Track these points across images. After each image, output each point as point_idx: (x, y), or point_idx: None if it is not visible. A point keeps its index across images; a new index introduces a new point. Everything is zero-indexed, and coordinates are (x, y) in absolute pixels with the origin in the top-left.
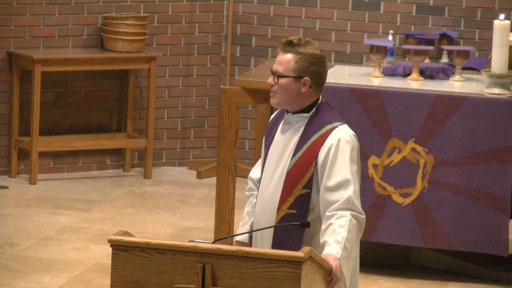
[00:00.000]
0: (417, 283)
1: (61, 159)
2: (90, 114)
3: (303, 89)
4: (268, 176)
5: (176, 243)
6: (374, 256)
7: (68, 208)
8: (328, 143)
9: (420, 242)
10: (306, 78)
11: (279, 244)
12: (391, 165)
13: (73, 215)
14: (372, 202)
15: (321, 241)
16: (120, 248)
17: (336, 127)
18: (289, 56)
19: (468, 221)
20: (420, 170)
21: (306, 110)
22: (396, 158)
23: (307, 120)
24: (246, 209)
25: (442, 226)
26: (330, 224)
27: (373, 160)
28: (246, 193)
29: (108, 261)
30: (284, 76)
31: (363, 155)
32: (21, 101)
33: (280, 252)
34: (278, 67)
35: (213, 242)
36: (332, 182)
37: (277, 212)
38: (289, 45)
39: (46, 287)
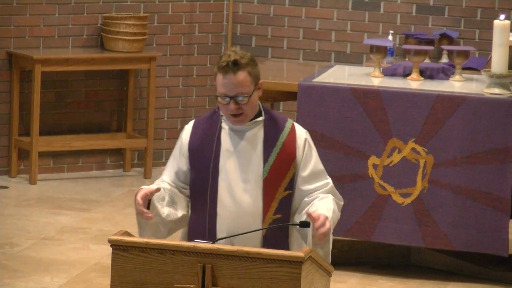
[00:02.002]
0: (417, 283)
1: (61, 159)
2: (90, 114)
3: (259, 94)
4: (234, 189)
5: (176, 243)
6: (374, 256)
7: (68, 208)
8: (300, 139)
9: (420, 242)
10: (260, 82)
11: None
12: (391, 165)
13: (73, 215)
14: (372, 202)
15: (305, 217)
16: (120, 248)
17: (292, 122)
18: (242, 73)
19: (468, 221)
20: (420, 170)
21: (258, 114)
22: (396, 158)
23: (262, 123)
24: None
25: (442, 226)
26: (313, 202)
27: (373, 160)
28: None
29: (108, 261)
30: (251, 94)
31: (363, 155)
32: (21, 101)
33: (280, 252)
34: (240, 89)
35: (213, 242)
36: (310, 172)
37: (263, 221)
38: (237, 65)
39: (46, 287)
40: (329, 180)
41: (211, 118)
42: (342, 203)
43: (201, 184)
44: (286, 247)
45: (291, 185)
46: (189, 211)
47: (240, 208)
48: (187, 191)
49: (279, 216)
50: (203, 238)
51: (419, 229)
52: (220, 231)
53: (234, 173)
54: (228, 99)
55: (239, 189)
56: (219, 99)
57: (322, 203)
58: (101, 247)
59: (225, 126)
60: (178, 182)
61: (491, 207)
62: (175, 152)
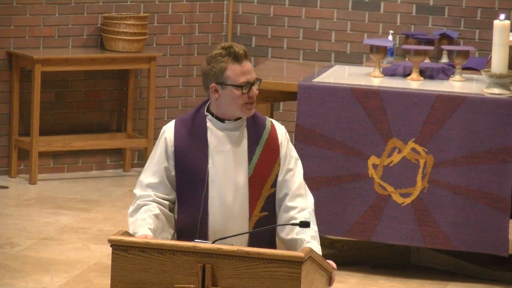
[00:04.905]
0: (417, 283)
1: (61, 159)
2: (90, 114)
3: None
4: (223, 190)
5: (176, 243)
6: (374, 256)
7: (68, 208)
8: (282, 136)
9: (420, 242)
10: None
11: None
12: (391, 165)
13: (73, 215)
14: (372, 202)
15: (288, 236)
16: (120, 248)
17: (271, 120)
18: (249, 62)
19: (468, 221)
20: (420, 170)
21: None
22: (396, 158)
23: (245, 121)
24: (141, 215)
25: (442, 226)
26: (295, 219)
27: (373, 160)
28: (139, 202)
29: (108, 261)
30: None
31: (363, 155)
32: (21, 101)
33: (280, 252)
34: (254, 74)
35: (213, 242)
36: (291, 164)
37: (249, 219)
38: (247, 54)
39: (46, 287)
40: (301, 170)
41: (195, 118)
42: (312, 197)
43: (191, 186)
44: (272, 247)
45: (276, 182)
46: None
47: (229, 208)
48: (171, 197)
49: (265, 213)
50: (194, 239)
51: (419, 229)
52: (212, 232)
53: (223, 173)
54: (249, 85)
55: (228, 189)
56: (242, 90)
57: (305, 231)
58: (101, 247)
59: (210, 126)
60: (164, 189)
61: (491, 207)
62: (158, 156)
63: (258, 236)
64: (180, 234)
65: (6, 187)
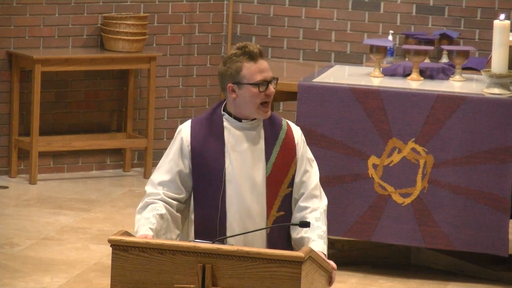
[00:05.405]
0: (417, 283)
1: (61, 159)
2: (90, 114)
3: None
4: (241, 189)
5: (176, 243)
6: (374, 256)
7: (68, 208)
8: (298, 137)
9: (420, 242)
10: None
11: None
12: (391, 165)
13: (73, 215)
14: (372, 202)
15: (298, 235)
16: (120, 248)
17: (287, 121)
18: (265, 61)
19: (468, 221)
20: (420, 170)
21: None
22: (396, 158)
23: (262, 122)
24: (146, 214)
25: (442, 226)
26: (306, 219)
27: (373, 160)
28: (147, 199)
29: (108, 261)
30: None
31: (363, 155)
32: (21, 101)
33: (280, 252)
34: (270, 73)
35: (213, 242)
36: (308, 166)
37: (267, 219)
38: (262, 53)
39: (46, 287)
40: (317, 172)
41: (211, 117)
42: (326, 200)
43: (208, 185)
44: (290, 246)
45: (293, 182)
46: (182, 226)
47: (247, 207)
48: (181, 197)
49: (282, 213)
50: (212, 239)
51: (419, 229)
52: (230, 232)
53: (240, 172)
54: (266, 83)
55: (246, 188)
56: (259, 88)
57: (313, 230)
58: (101, 247)
59: (227, 125)
60: (174, 187)
61: (491, 207)
62: (173, 154)
63: (275, 236)
64: (198, 234)
65: (6, 187)
